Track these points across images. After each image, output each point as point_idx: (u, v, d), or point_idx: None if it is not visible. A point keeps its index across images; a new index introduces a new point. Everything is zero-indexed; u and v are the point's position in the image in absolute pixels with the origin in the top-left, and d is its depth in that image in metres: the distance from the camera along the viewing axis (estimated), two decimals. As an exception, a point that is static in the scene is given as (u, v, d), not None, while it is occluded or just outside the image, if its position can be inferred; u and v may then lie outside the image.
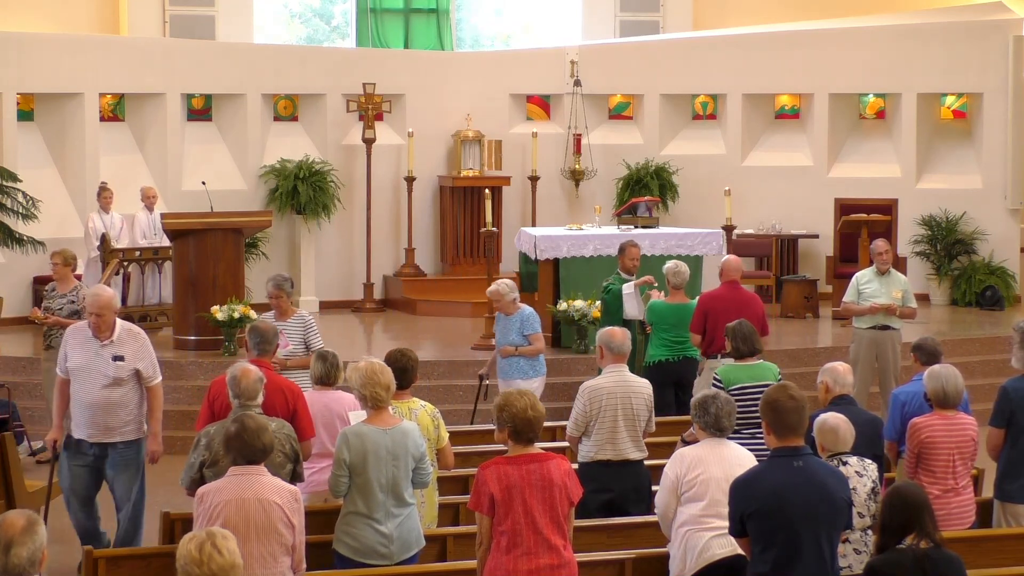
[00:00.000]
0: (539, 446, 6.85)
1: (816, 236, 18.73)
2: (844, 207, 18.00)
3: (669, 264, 12.51)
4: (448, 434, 8.31)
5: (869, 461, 7.43)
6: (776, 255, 18.50)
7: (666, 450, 8.93)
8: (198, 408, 9.60)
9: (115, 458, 9.18)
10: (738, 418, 7.66)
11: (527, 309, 11.91)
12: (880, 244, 12.97)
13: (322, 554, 7.47)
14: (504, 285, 11.86)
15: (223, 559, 4.95)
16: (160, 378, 9.25)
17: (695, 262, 15.40)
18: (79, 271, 16.04)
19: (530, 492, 6.60)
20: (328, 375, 8.77)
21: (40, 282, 15.95)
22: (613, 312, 12.72)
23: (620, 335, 8.78)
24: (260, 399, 7.71)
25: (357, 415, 7.83)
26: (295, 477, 7.67)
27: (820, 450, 7.28)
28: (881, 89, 19.58)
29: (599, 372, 9.06)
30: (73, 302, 12.38)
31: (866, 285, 12.84)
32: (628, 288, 12.62)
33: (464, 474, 9.40)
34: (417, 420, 8.01)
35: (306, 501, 7.14)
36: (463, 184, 18.63)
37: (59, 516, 10.69)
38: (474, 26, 21.91)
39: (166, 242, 15.42)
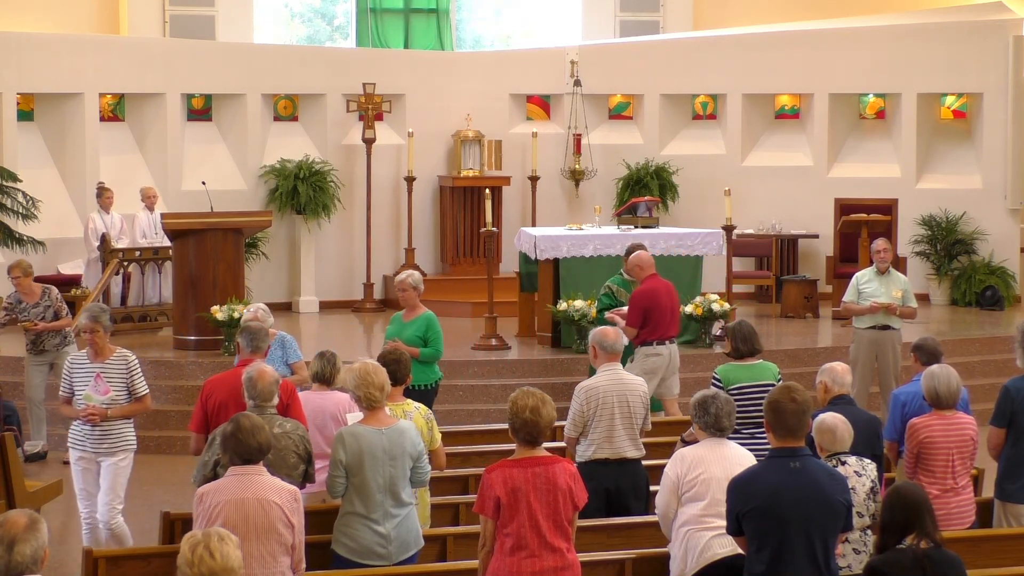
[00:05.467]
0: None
1: (816, 236, 18.73)
2: (844, 207, 18.01)
3: None
4: (441, 436, 8.32)
5: (868, 461, 7.42)
6: (776, 255, 18.50)
7: (665, 450, 8.94)
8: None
9: None
10: (738, 418, 7.66)
11: (286, 336, 10.53)
12: (880, 243, 12.97)
13: (321, 554, 7.47)
14: (262, 311, 10.36)
15: (214, 562, 4.93)
16: None
17: (695, 262, 15.43)
18: (79, 271, 16.14)
19: (535, 495, 6.61)
20: (324, 372, 8.75)
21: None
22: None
23: (613, 334, 8.79)
24: (275, 400, 7.74)
25: (355, 416, 7.84)
26: (307, 478, 7.70)
27: (819, 450, 7.28)
28: (881, 89, 19.59)
29: (591, 372, 9.06)
30: (48, 307, 12.43)
31: (866, 285, 12.84)
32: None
33: (464, 474, 9.42)
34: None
35: (305, 501, 7.14)
36: (463, 184, 18.63)
37: (59, 516, 10.71)
38: (474, 27, 21.91)
39: (166, 242, 15.42)
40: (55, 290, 12.80)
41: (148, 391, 9.30)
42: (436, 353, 11.19)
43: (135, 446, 9.37)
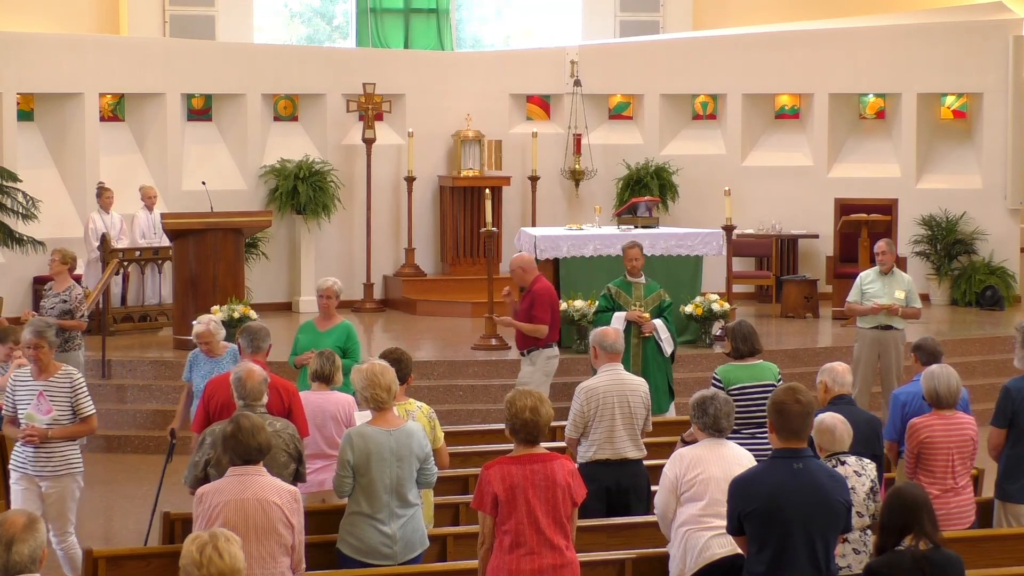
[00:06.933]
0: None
1: (816, 236, 18.72)
2: (844, 207, 18.01)
3: None
4: (443, 434, 8.32)
5: (868, 461, 7.43)
6: (776, 255, 18.50)
7: (665, 450, 8.94)
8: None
9: None
10: (738, 418, 7.66)
11: (234, 347, 10.08)
12: (880, 244, 12.97)
13: (322, 554, 7.48)
14: (214, 323, 10.15)
15: (223, 563, 4.94)
16: None
17: (695, 262, 15.42)
18: (79, 271, 16.11)
19: (533, 492, 6.61)
20: (324, 370, 8.74)
21: (40, 282, 15.95)
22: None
23: (613, 334, 8.79)
24: (265, 399, 7.73)
25: (363, 415, 7.84)
26: (298, 477, 7.69)
27: (818, 450, 7.28)
28: (881, 89, 19.58)
29: (593, 372, 9.06)
30: (65, 301, 12.36)
31: (869, 285, 12.83)
32: (618, 322, 12.24)
33: (464, 474, 9.41)
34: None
35: (305, 501, 7.14)
36: (463, 184, 18.63)
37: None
38: (474, 27, 21.91)
39: (166, 242, 15.43)
40: (78, 289, 12.66)
41: (94, 411, 8.80)
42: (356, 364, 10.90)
43: (81, 468, 8.90)
